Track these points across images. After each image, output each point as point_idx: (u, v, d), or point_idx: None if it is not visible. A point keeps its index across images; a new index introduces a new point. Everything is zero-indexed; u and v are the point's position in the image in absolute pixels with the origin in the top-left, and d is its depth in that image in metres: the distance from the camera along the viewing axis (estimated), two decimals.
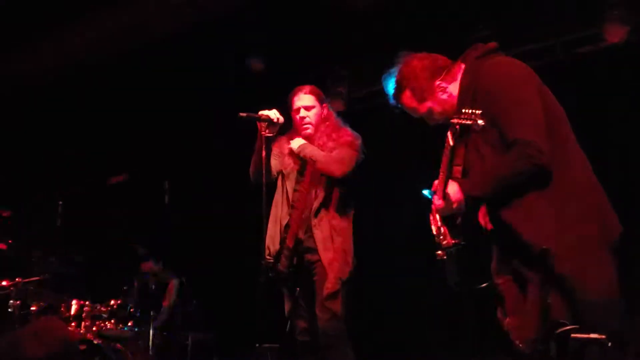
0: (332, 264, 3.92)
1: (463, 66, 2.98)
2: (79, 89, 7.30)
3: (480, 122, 2.60)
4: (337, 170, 3.98)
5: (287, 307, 4.11)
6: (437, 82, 2.97)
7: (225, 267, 6.99)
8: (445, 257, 2.92)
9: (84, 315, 5.88)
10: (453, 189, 2.77)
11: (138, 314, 6.11)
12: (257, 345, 4.21)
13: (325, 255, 3.93)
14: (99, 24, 6.41)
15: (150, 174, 6.83)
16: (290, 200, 4.08)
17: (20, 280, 5.81)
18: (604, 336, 2.40)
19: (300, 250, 4.01)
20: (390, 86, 3.11)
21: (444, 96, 2.97)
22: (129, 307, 6.07)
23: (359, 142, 4.12)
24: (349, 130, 4.19)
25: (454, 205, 2.78)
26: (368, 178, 6.40)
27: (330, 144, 4.06)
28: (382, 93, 6.17)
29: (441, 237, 2.95)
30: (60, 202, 6.17)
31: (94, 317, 5.91)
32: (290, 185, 4.12)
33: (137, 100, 7.32)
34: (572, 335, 2.47)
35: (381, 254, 6.42)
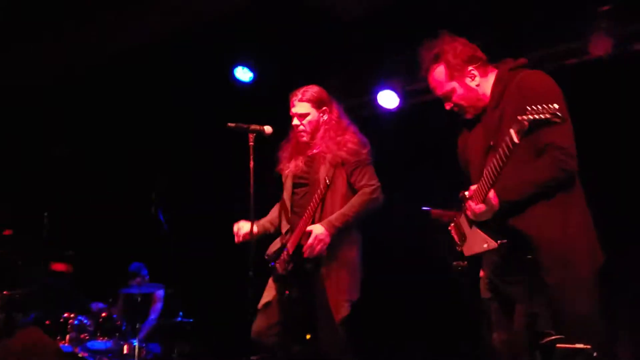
0: (337, 282, 3.78)
1: (495, 71, 3.04)
2: (69, 94, 7.27)
3: (559, 114, 2.50)
4: (379, 199, 3.94)
5: (263, 300, 3.97)
6: (470, 68, 3.02)
7: (212, 278, 6.95)
8: (464, 268, 2.93)
9: (69, 327, 5.84)
10: (491, 193, 2.79)
11: (124, 326, 6.07)
12: (244, 358, 4.18)
13: (328, 271, 3.80)
14: (87, 29, 6.41)
15: (137, 185, 6.80)
16: (288, 207, 4.03)
17: (6, 292, 5.76)
18: (589, 346, 2.41)
19: (299, 258, 3.87)
20: (425, 57, 3.13)
21: (472, 84, 3.02)
22: (114, 319, 6.03)
23: (366, 150, 3.99)
24: (354, 134, 4.05)
25: (495, 209, 2.79)
26: None
27: (335, 148, 3.94)
28: (373, 104, 6.26)
29: (465, 245, 2.96)
30: (46, 214, 6.14)
31: (80, 329, 5.87)
32: (287, 192, 4.06)
33: (126, 109, 7.30)
34: (558, 345, 2.48)
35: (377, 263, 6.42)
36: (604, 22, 4.92)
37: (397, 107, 6.10)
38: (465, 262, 2.96)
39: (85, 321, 5.96)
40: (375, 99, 6.14)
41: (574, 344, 2.43)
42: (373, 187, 3.91)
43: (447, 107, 3.11)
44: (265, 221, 4.21)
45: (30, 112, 7.42)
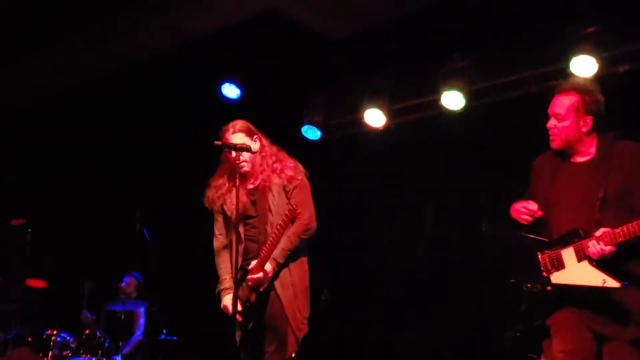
0: (293, 303, 3.89)
1: (596, 134, 3.35)
2: (53, 114, 7.25)
3: None
4: (312, 229, 4.00)
5: (238, 336, 4.00)
6: (589, 119, 3.30)
7: (196, 296, 6.89)
8: (534, 291, 3.19)
9: (51, 344, 5.77)
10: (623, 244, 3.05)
11: (107, 344, 6.00)
12: None
13: (285, 292, 3.89)
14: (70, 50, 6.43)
15: (122, 202, 6.75)
16: (242, 237, 4.00)
17: None
18: None
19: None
20: (574, 81, 3.42)
21: (582, 129, 3.30)
22: (97, 337, 5.96)
23: (301, 176, 4.05)
24: (288, 159, 4.11)
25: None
26: (343, 205, 6.46)
27: (275, 177, 3.99)
28: (359, 121, 6.28)
29: (558, 274, 3.18)
30: (29, 230, 6.07)
31: (62, 347, 5.80)
32: (240, 223, 4.01)
33: (113, 126, 7.28)
34: None
35: (358, 281, 6.41)
36: (589, 44, 4.98)
37: (384, 125, 6.13)
38: (535, 285, 3.21)
39: (68, 338, 5.89)
40: (362, 118, 6.15)
41: None
42: (308, 216, 3.98)
43: (549, 125, 3.37)
44: (229, 278, 4.10)
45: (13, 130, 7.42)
